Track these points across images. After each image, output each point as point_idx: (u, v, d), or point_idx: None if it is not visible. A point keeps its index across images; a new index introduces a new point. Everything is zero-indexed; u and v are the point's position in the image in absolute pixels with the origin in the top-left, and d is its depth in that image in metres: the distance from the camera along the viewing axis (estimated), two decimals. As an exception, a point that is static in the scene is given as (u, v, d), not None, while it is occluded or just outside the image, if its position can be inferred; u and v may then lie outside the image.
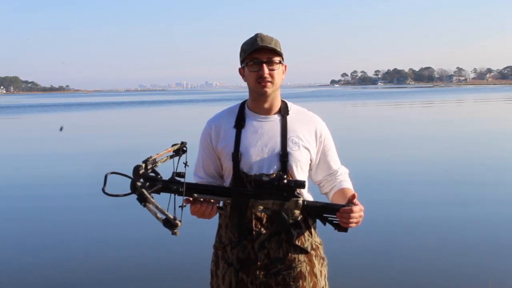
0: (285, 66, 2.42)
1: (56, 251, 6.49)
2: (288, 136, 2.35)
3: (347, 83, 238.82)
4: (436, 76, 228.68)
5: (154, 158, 2.13)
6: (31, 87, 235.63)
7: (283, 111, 2.41)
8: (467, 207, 8.06)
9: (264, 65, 2.31)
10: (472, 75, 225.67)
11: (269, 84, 2.33)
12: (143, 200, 2.05)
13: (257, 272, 2.32)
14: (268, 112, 2.40)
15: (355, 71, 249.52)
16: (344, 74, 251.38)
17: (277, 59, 2.34)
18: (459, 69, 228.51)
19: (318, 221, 2.37)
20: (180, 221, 2.03)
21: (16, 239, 7.08)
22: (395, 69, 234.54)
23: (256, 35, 2.34)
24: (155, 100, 72.48)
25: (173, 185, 2.14)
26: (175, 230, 2.03)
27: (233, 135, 2.37)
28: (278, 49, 2.32)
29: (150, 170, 2.11)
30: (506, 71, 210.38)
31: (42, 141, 20.72)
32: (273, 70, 2.33)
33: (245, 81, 2.42)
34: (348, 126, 22.37)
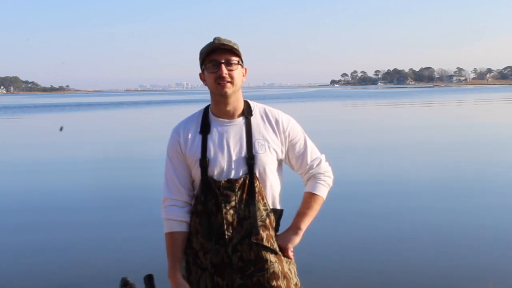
0: (245, 69, 2.43)
1: (56, 253, 6.46)
2: (253, 139, 2.36)
3: (347, 83, 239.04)
4: (436, 76, 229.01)
5: None
6: (31, 87, 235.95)
7: (247, 113, 2.41)
8: (467, 208, 8.01)
9: (223, 66, 2.32)
10: (472, 75, 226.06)
11: (228, 84, 2.33)
12: None
13: (233, 275, 2.34)
14: (232, 115, 2.40)
15: (355, 71, 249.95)
16: (344, 74, 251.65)
17: (235, 59, 2.35)
18: (459, 69, 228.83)
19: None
20: None
21: (15, 241, 7.05)
22: (395, 69, 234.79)
23: (214, 38, 2.36)
24: (157, 100, 72.47)
25: None
26: None
27: (199, 142, 2.37)
28: (236, 50, 2.34)
29: None
30: (506, 71, 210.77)
31: (42, 142, 20.73)
32: (231, 70, 2.34)
33: (205, 85, 2.42)
34: (346, 127, 22.33)
